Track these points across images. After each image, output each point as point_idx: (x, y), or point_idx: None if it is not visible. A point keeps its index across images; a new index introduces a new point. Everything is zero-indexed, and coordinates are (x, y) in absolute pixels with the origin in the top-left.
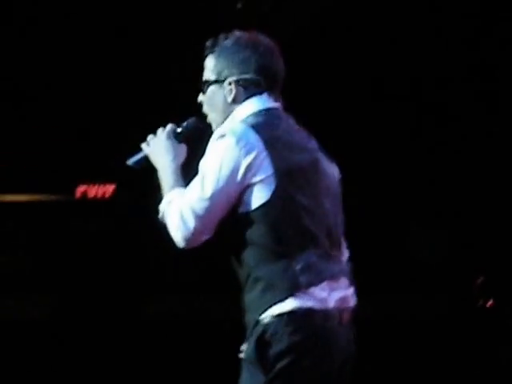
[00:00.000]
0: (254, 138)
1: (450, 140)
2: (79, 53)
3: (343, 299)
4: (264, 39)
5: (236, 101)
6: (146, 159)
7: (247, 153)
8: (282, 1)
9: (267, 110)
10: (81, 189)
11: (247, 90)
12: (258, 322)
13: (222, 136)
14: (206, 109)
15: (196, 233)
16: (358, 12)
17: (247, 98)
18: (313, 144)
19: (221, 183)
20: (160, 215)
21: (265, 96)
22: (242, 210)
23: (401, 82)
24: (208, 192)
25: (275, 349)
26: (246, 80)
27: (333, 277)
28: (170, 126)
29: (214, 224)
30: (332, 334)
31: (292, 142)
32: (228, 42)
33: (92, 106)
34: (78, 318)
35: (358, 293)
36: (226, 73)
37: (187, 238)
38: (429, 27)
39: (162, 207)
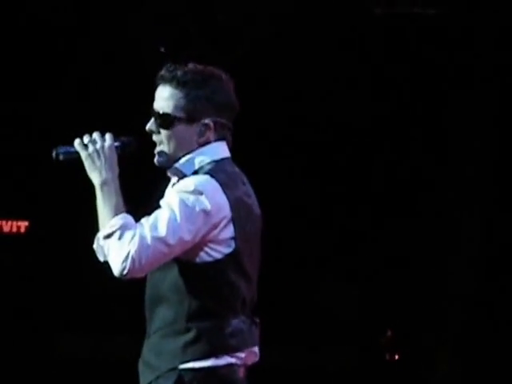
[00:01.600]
0: (223, 199)
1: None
2: None
3: (254, 356)
4: (224, 76)
5: (204, 143)
6: (76, 156)
7: (216, 212)
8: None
9: (226, 160)
10: None
11: (219, 133)
12: (174, 369)
13: (192, 189)
14: (162, 141)
15: (142, 270)
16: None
17: (212, 141)
18: (254, 198)
19: (185, 234)
20: (102, 235)
21: (224, 144)
22: (191, 260)
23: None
24: (170, 237)
25: None
26: (221, 123)
27: (254, 341)
28: (110, 136)
29: (158, 266)
30: None
31: (248, 207)
32: (195, 77)
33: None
34: None
35: (269, 343)
36: (199, 112)
37: (130, 271)
38: None
39: (110, 228)
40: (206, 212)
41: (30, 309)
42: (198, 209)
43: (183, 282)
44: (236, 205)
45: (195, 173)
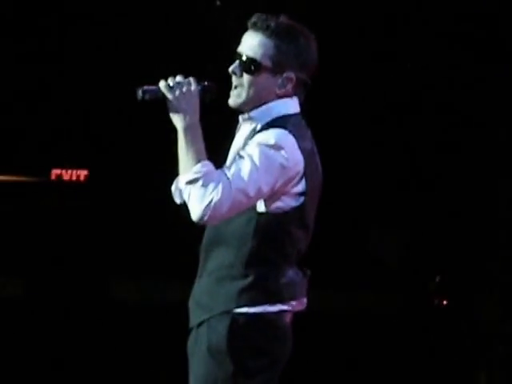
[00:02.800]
0: (299, 154)
1: (408, 144)
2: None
3: (302, 305)
4: (311, 35)
5: (283, 95)
6: (162, 97)
7: (293, 167)
8: None
9: (298, 115)
10: (56, 172)
11: (296, 89)
12: (228, 312)
13: (273, 142)
14: (242, 84)
15: (221, 217)
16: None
17: (289, 95)
18: (317, 154)
19: (263, 185)
20: (185, 180)
21: (297, 100)
22: (259, 209)
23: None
24: (251, 189)
25: (247, 343)
26: (301, 80)
27: (304, 292)
28: (194, 80)
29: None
30: (289, 334)
31: (316, 164)
32: (287, 30)
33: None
34: (50, 299)
35: (320, 289)
36: (285, 65)
37: (209, 218)
38: None
39: (194, 174)
40: (283, 166)
41: (88, 254)
42: (277, 163)
43: (247, 228)
44: (308, 160)
45: (269, 123)
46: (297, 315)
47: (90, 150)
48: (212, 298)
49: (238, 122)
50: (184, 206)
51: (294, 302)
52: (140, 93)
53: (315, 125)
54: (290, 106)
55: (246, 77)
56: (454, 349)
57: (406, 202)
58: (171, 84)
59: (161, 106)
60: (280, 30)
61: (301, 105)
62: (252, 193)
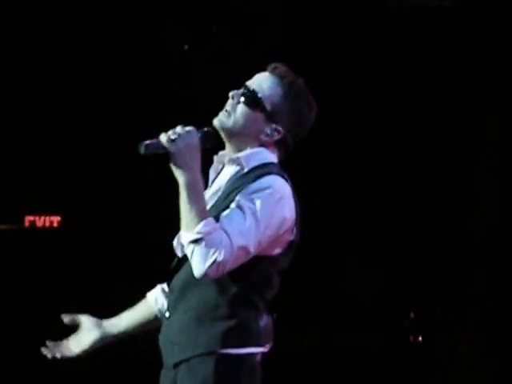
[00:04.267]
0: (294, 203)
1: (381, 182)
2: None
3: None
4: (316, 110)
5: (266, 144)
6: (163, 152)
7: (290, 217)
8: None
9: (278, 164)
10: (29, 218)
11: (278, 145)
12: (212, 353)
13: (272, 192)
14: (234, 110)
15: (222, 274)
16: None
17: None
18: None
19: (264, 240)
20: (188, 239)
21: (276, 153)
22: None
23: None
24: (252, 246)
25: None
26: (286, 140)
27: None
28: (195, 130)
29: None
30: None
31: (298, 211)
32: (299, 92)
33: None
34: (20, 351)
35: (295, 327)
36: (280, 118)
37: (212, 276)
38: None
39: (197, 234)
40: (284, 218)
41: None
42: (278, 215)
43: (235, 272)
44: (297, 209)
45: (258, 167)
46: (273, 354)
47: (63, 195)
48: (192, 338)
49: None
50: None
51: (268, 345)
52: (142, 148)
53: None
54: (274, 156)
55: (241, 106)
56: None
57: (379, 240)
58: (172, 137)
59: (136, 153)
60: (293, 87)
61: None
62: (252, 249)
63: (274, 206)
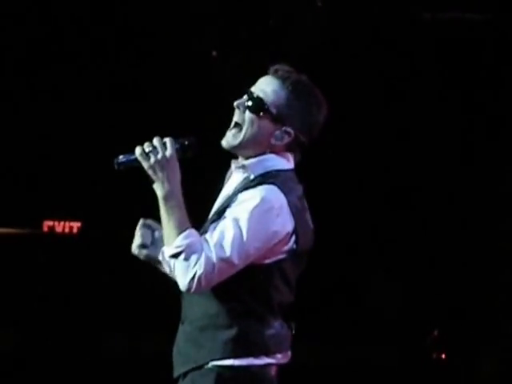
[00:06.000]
0: (289, 214)
1: (409, 196)
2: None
3: (287, 358)
4: (325, 104)
5: (279, 149)
6: (138, 165)
7: (282, 229)
8: None
9: (291, 172)
10: (48, 223)
11: (292, 146)
12: (212, 364)
13: (261, 203)
14: (243, 121)
15: (208, 287)
16: None
17: (283, 151)
18: (308, 212)
19: (250, 251)
20: (168, 254)
21: (292, 156)
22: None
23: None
24: (235, 257)
25: None
26: (299, 139)
27: (288, 345)
28: (171, 140)
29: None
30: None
31: (306, 222)
32: (304, 90)
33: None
34: (39, 352)
35: (315, 341)
36: (288, 119)
37: (196, 290)
38: None
39: (176, 249)
40: (274, 230)
41: (79, 307)
42: (265, 226)
43: (233, 280)
44: (298, 217)
45: (262, 175)
46: (297, 369)
47: (83, 201)
48: (195, 348)
49: (229, 166)
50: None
51: (279, 355)
52: (116, 164)
53: (313, 177)
54: (285, 161)
55: (248, 114)
56: None
57: (404, 254)
58: (146, 150)
59: None
60: (296, 86)
61: (296, 164)
62: (237, 260)
63: (261, 217)
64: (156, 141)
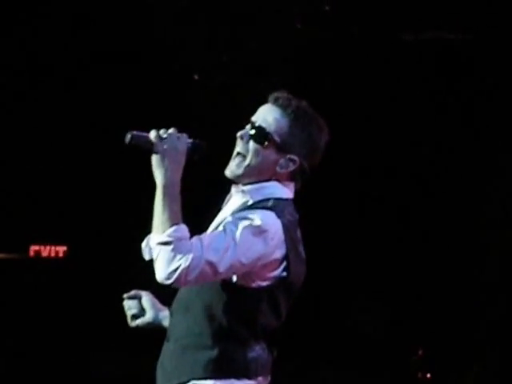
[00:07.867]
0: (281, 241)
1: (393, 218)
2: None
3: (267, 382)
4: (326, 130)
5: (283, 177)
6: (148, 146)
7: (272, 253)
8: None
9: (290, 201)
10: (34, 248)
11: (296, 174)
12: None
13: (258, 224)
14: (247, 151)
15: (185, 284)
16: None
17: (286, 179)
18: (301, 244)
19: (236, 265)
20: (157, 240)
21: (292, 186)
22: (232, 283)
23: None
24: (221, 265)
25: None
26: (303, 167)
27: (269, 370)
28: (186, 137)
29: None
30: None
31: (299, 253)
32: (305, 116)
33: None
34: (27, 375)
35: (303, 366)
36: (292, 147)
37: (173, 283)
38: None
39: (167, 237)
40: (263, 252)
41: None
42: (256, 246)
43: (219, 300)
44: (291, 247)
45: (260, 201)
46: None
47: (69, 226)
48: (177, 366)
49: (228, 191)
50: (151, 264)
51: (260, 378)
52: (128, 137)
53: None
54: (285, 190)
55: (252, 144)
56: None
57: (387, 275)
58: (163, 135)
59: (142, 185)
60: (298, 114)
61: (296, 192)
62: (221, 269)
63: (256, 237)
64: (173, 130)
